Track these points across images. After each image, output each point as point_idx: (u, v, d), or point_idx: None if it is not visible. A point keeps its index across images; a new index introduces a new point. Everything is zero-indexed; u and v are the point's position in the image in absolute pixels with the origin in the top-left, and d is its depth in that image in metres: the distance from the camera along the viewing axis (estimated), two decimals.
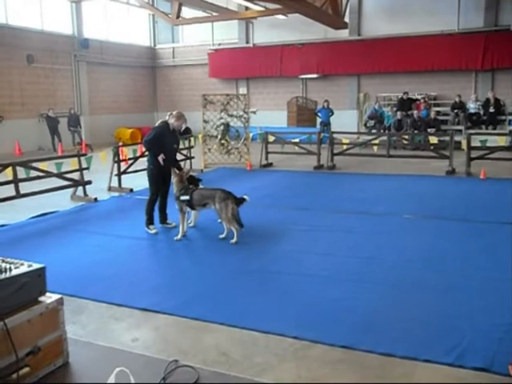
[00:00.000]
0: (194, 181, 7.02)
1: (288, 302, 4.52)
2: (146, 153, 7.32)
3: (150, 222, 7.01)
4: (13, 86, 17.62)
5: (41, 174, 8.57)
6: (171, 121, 6.85)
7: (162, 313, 4.32)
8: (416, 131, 16.34)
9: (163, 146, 6.74)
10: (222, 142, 13.68)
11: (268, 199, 9.08)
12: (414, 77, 19.47)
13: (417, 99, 18.83)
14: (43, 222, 7.78)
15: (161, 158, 6.67)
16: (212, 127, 13.57)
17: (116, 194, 9.85)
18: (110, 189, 10.12)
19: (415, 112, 17.32)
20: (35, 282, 2.13)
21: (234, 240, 6.28)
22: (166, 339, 3.90)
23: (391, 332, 3.87)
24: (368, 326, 4.00)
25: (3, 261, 2.18)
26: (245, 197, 6.53)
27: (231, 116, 13.56)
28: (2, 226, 7.44)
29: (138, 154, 10.89)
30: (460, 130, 16.74)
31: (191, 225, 7.09)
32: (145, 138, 6.98)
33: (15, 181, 7.95)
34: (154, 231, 6.92)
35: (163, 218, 7.24)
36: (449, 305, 4.35)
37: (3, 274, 1.99)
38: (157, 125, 7.01)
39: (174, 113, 6.96)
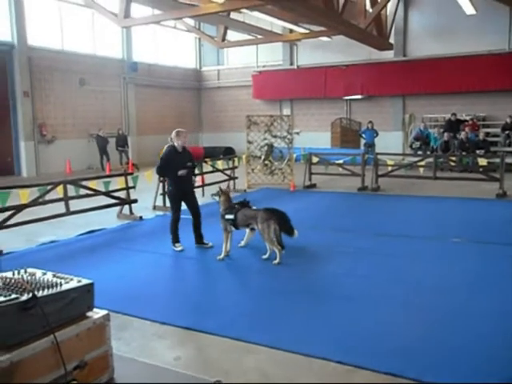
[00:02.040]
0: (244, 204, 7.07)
1: (331, 324, 4.44)
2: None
3: (175, 240, 7.08)
4: (66, 107, 18.36)
5: (89, 192, 8.83)
6: (174, 142, 7.01)
7: (205, 332, 4.32)
8: (464, 153, 15.91)
9: (175, 168, 6.85)
10: (266, 162, 13.74)
11: (311, 220, 9.01)
12: (461, 97, 19.05)
13: (465, 120, 18.39)
14: (91, 239, 8.00)
15: (180, 172, 6.81)
16: (256, 148, 13.67)
17: (161, 212, 10.01)
18: (154, 207, 10.30)
19: (463, 133, 16.90)
20: (84, 297, 2.17)
21: (276, 261, 6.25)
22: (207, 359, 3.90)
23: (437, 360, 3.72)
24: (413, 352, 3.86)
25: (54, 275, 2.23)
26: (295, 232, 6.63)
27: (275, 137, 13.63)
28: (53, 241, 7.69)
29: None
30: (511, 152, 16.20)
31: (242, 244, 7.08)
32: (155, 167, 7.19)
33: (65, 198, 8.21)
34: (179, 248, 7.00)
35: (199, 239, 7.22)
36: (499, 333, 4.15)
37: (54, 288, 2.04)
38: (163, 151, 7.15)
39: (173, 134, 7.07)
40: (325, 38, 19.29)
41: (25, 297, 1.87)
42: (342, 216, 9.59)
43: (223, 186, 7.17)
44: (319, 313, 4.74)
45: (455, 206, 10.22)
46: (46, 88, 17.56)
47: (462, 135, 16.80)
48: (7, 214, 7.32)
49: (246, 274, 6.15)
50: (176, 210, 7.09)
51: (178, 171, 6.84)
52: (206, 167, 12.27)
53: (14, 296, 1.86)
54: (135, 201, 9.59)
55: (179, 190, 7.02)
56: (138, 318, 4.67)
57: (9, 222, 7.31)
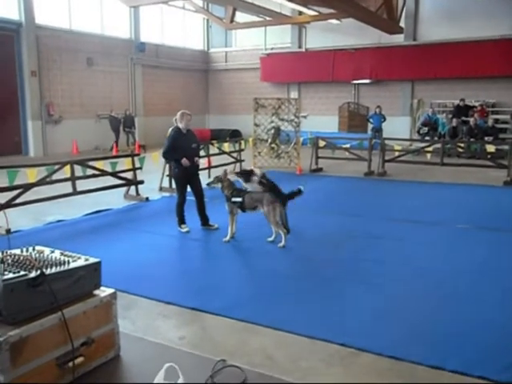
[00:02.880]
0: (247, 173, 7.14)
1: (335, 308, 4.46)
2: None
3: (181, 221, 7.12)
4: (73, 87, 18.32)
5: (96, 172, 8.86)
6: (179, 124, 6.97)
7: (210, 313, 4.36)
8: (472, 139, 15.79)
9: (180, 150, 6.85)
10: (273, 145, 13.70)
11: (317, 204, 9.01)
12: (471, 83, 18.84)
13: (474, 106, 18.22)
14: (97, 218, 8.04)
15: (184, 161, 6.79)
16: (263, 131, 13.63)
17: (167, 194, 10.04)
18: (161, 189, 10.33)
19: (471, 119, 16.75)
20: (91, 275, 2.19)
21: (281, 244, 6.28)
22: (212, 339, 3.94)
23: (442, 345, 3.75)
24: (417, 337, 3.89)
25: (62, 254, 2.25)
26: (300, 187, 6.65)
27: (282, 120, 13.58)
28: (60, 221, 7.75)
29: None
30: None
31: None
32: (162, 150, 7.18)
33: (72, 178, 8.25)
34: (185, 230, 7.04)
35: (204, 221, 7.25)
36: (504, 320, 4.17)
37: (62, 266, 2.06)
38: (168, 133, 7.14)
39: (178, 115, 7.02)
40: (334, 21, 19.06)
41: (33, 274, 1.89)
42: (349, 200, 9.59)
43: (220, 174, 6.98)
44: (324, 296, 4.77)
45: (462, 193, 10.18)
46: (53, 67, 17.51)
47: (471, 121, 16.67)
48: (15, 192, 7.36)
49: (251, 256, 6.18)
50: (182, 192, 7.11)
51: (183, 153, 6.82)
52: (213, 149, 12.26)
53: (22, 273, 1.88)
54: (142, 182, 9.61)
55: (184, 171, 7.01)
56: (144, 298, 4.72)
57: (16, 201, 7.36)
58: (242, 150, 12.91)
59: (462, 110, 17.77)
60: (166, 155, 7.14)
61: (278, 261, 5.87)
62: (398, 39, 19.53)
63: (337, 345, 3.75)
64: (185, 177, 7.07)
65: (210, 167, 11.42)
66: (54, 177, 8.10)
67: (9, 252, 2.12)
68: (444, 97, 19.42)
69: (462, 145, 13.97)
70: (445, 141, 13.92)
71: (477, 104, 18.31)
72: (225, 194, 6.72)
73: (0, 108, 16.01)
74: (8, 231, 6.00)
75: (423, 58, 19.07)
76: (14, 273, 1.87)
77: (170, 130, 7.16)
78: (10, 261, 2.01)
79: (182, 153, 6.85)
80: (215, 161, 11.83)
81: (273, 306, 4.52)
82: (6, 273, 1.86)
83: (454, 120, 17.15)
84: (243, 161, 12.71)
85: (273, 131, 13.62)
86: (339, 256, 5.99)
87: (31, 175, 7.73)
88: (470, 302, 4.57)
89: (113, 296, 2.25)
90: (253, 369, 2.24)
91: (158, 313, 4.43)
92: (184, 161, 6.80)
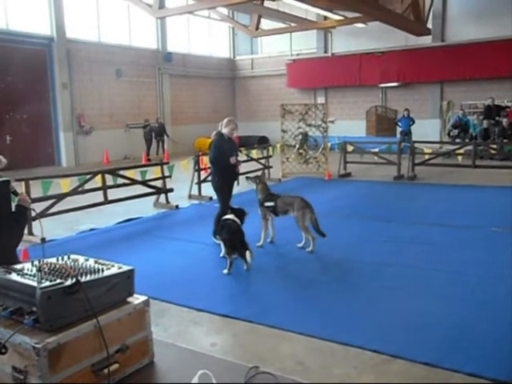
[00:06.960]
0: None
1: (367, 314, 4.41)
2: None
3: (217, 232, 6.99)
4: (102, 98, 18.69)
5: (127, 181, 8.99)
6: (223, 130, 6.75)
7: (241, 319, 4.36)
8: (505, 140, 15.42)
9: (225, 155, 6.65)
10: (300, 151, 13.68)
11: (347, 209, 8.95)
12: (502, 83, 18.42)
13: (506, 106, 17.79)
14: (128, 227, 8.16)
15: (233, 159, 6.58)
16: (290, 137, 13.62)
17: (196, 201, 10.12)
18: (190, 197, 10.42)
19: (504, 120, 16.36)
20: (124, 283, 2.22)
21: (309, 249, 6.25)
22: (244, 346, 3.94)
23: (479, 351, 3.65)
24: (453, 343, 3.81)
25: (96, 262, 2.29)
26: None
27: (309, 125, 13.54)
28: (92, 229, 7.89)
29: None
30: None
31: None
32: (209, 158, 6.83)
33: (104, 188, 8.40)
34: (220, 241, 6.95)
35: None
36: None
37: (96, 274, 2.10)
38: (212, 138, 6.85)
39: (224, 121, 6.82)
40: (360, 25, 18.93)
41: (69, 282, 1.93)
42: (379, 205, 9.47)
43: (259, 174, 7.05)
44: (356, 301, 4.72)
45: (495, 195, 9.94)
46: (83, 80, 17.90)
47: (504, 122, 16.28)
48: (49, 202, 7.54)
49: (281, 261, 6.16)
50: (224, 202, 6.81)
51: (227, 160, 6.62)
52: (241, 156, 12.26)
53: (58, 281, 1.92)
54: (171, 190, 9.71)
55: (225, 180, 6.81)
56: (175, 305, 4.76)
57: (50, 211, 7.54)
58: (270, 156, 12.93)
59: (492, 111, 17.37)
60: (216, 161, 6.70)
61: (308, 266, 5.84)
62: (426, 40, 19.27)
63: (370, 351, 3.70)
64: (226, 184, 6.85)
65: (238, 174, 11.42)
66: (86, 186, 8.26)
67: (45, 261, 2.17)
68: (474, 98, 19.04)
69: (495, 146, 13.64)
70: (476, 142, 13.64)
71: (509, 104, 17.88)
72: (258, 197, 6.74)
73: (34, 120, 16.44)
74: (43, 240, 6.15)
75: (452, 59, 18.75)
76: (51, 281, 1.91)
77: (213, 134, 6.92)
78: (46, 269, 2.06)
79: (226, 159, 6.63)
80: (244, 168, 11.82)
81: (304, 312, 4.49)
82: (43, 281, 1.91)
83: (485, 121, 16.78)
84: (271, 167, 12.72)
85: (300, 137, 13.60)
86: (370, 261, 5.91)
87: (64, 185, 7.91)
88: (506, 307, 4.45)
89: (146, 303, 2.28)
90: (286, 375, 2.24)
91: (190, 320, 4.45)
92: (232, 159, 6.59)
